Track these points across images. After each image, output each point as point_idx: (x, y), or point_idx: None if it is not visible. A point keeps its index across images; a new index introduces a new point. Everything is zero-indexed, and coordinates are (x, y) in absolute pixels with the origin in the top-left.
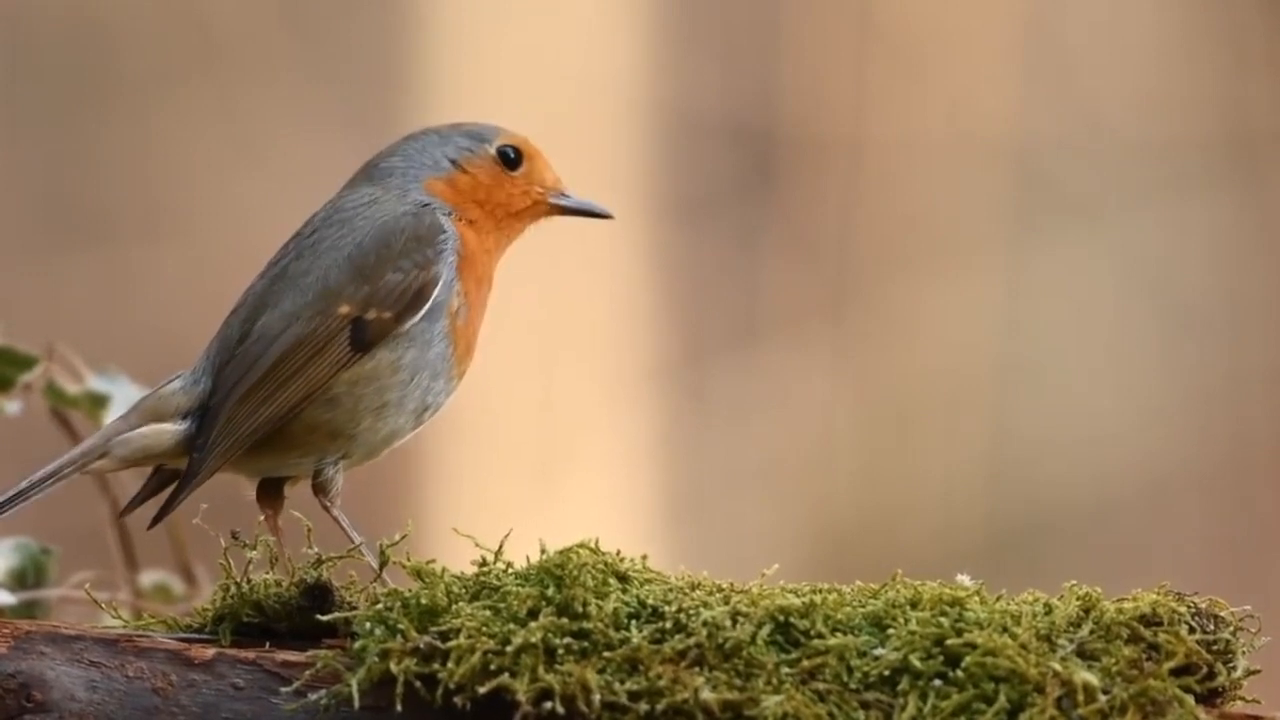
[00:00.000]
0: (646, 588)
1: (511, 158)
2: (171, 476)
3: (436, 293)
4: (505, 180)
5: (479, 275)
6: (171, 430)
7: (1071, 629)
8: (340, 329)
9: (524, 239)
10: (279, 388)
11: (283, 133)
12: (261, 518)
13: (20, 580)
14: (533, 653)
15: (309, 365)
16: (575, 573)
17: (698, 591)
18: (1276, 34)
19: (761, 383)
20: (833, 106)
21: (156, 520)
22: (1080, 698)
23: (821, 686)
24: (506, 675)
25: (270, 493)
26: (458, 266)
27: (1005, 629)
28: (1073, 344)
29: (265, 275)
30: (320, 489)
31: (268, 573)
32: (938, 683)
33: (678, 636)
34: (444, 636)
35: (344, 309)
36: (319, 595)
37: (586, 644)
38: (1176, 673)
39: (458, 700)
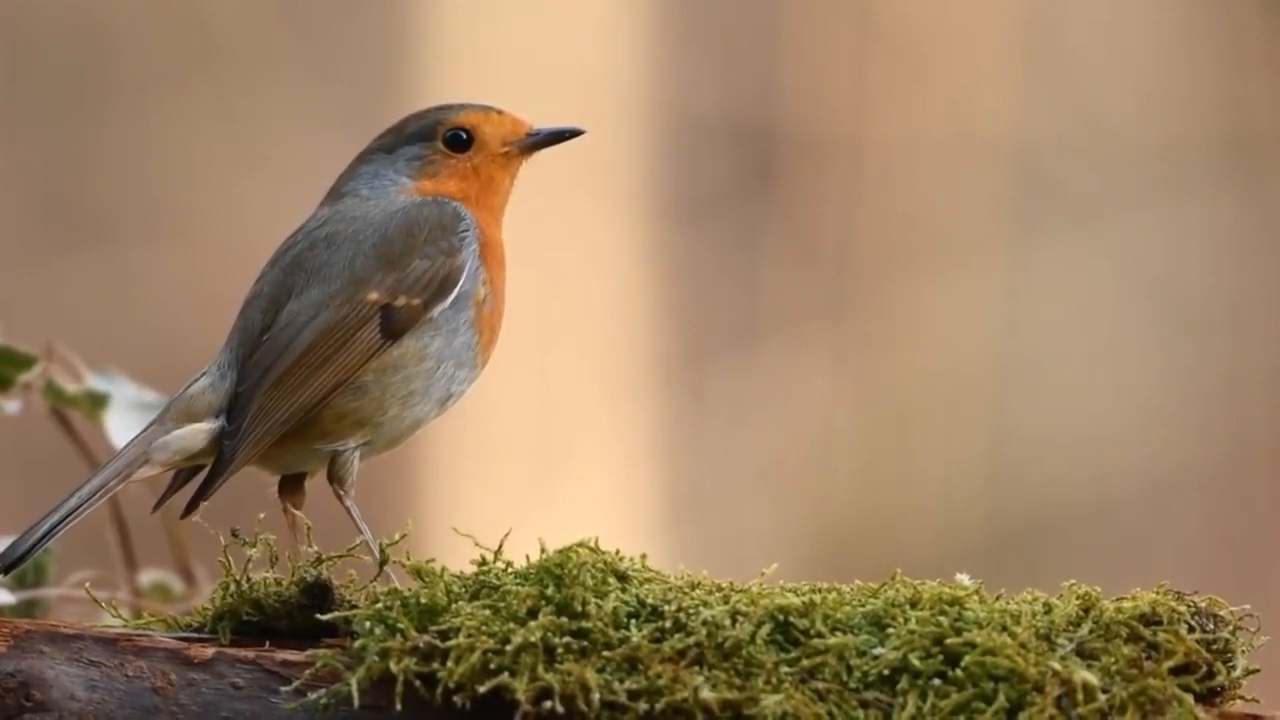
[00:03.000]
0: (646, 587)
1: (463, 139)
2: (193, 471)
3: (463, 280)
4: (466, 163)
5: (500, 262)
6: (207, 429)
7: (1071, 628)
8: (371, 316)
9: (522, 240)
10: (311, 374)
11: (283, 133)
12: (267, 514)
13: (20, 579)
14: (532, 652)
15: (340, 352)
16: (575, 572)
17: (697, 591)
18: (1276, 34)
19: (761, 383)
20: (833, 106)
21: (189, 510)
22: (1080, 697)
23: (821, 685)
24: (506, 674)
25: (291, 487)
26: (481, 254)
27: (1005, 628)
28: (1073, 344)
29: (276, 265)
30: (336, 478)
31: (268, 571)
32: (937, 682)
33: (677, 635)
34: (444, 635)
35: (373, 296)
36: (319, 594)
37: (586, 643)
38: (1176, 672)
39: (457, 699)
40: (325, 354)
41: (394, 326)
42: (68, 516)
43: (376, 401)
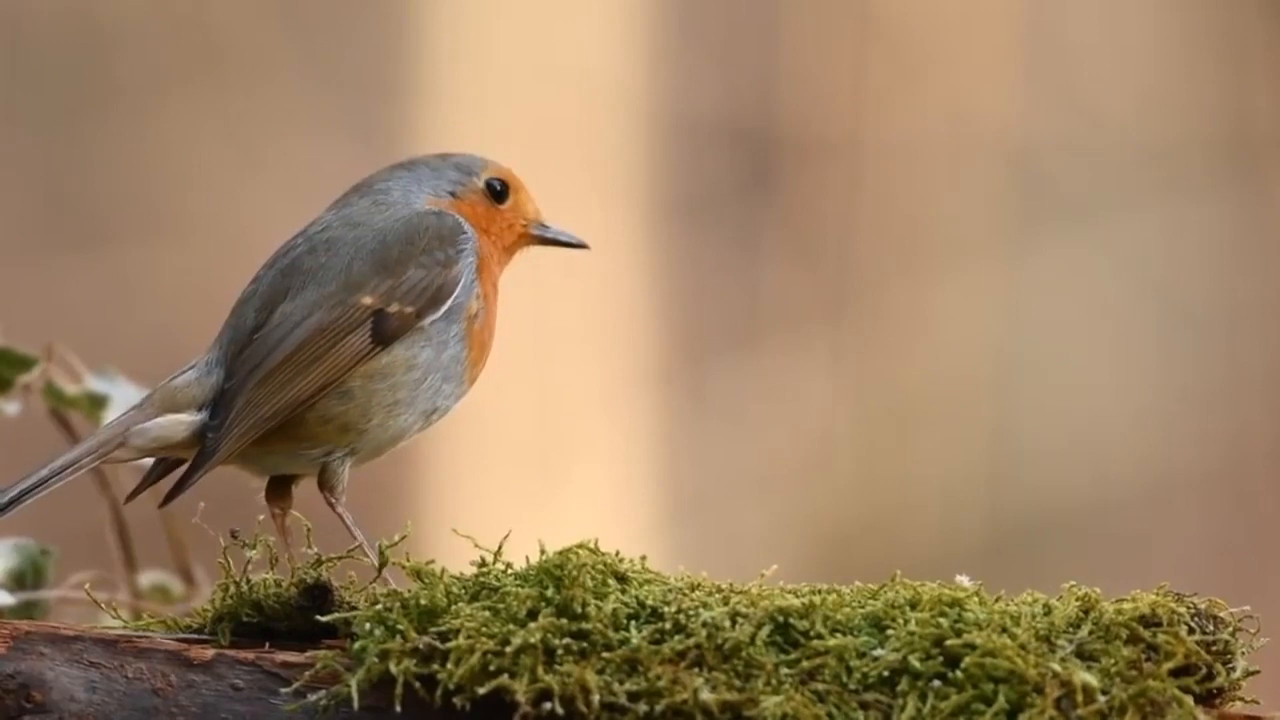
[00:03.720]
0: (646, 588)
1: (498, 190)
2: (173, 465)
3: (457, 292)
4: (495, 213)
5: (494, 281)
6: (187, 421)
7: (1071, 630)
8: (363, 320)
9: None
10: (299, 373)
11: (282, 135)
12: (266, 516)
13: (19, 581)
14: (532, 653)
15: (329, 353)
16: (574, 573)
17: (697, 592)
18: (1276, 36)
19: (761, 384)
20: (833, 106)
21: (167, 500)
22: (1079, 698)
23: (821, 687)
24: (506, 676)
25: (278, 492)
26: (477, 268)
27: (1004, 629)
28: (1073, 345)
29: (273, 267)
30: (326, 485)
31: (267, 573)
32: (937, 683)
33: (677, 637)
34: (443, 637)
35: (366, 300)
36: (318, 595)
37: (586, 644)
38: (1176, 673)
39: (457, 701)
40: (314, 354)
41: (385, 333)
42: (36, 486)
43: (361, 408)
